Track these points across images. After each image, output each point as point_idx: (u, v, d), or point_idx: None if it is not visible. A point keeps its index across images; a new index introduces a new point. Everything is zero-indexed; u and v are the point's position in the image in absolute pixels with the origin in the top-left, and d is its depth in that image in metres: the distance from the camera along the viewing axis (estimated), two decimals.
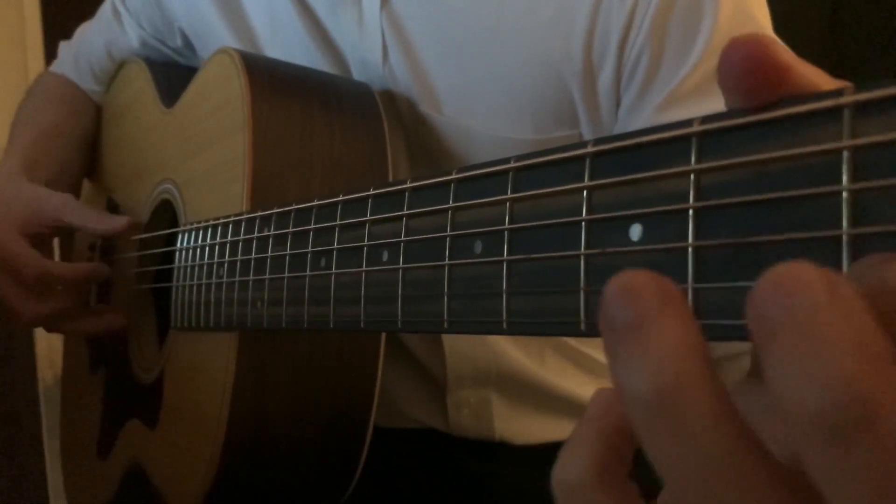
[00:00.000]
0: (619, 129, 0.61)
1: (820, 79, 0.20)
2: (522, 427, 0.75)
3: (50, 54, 1.14)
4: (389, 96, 0.67)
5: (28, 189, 0.76)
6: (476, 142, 0.64)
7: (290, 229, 0.45)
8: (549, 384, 0.75)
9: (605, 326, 0.18)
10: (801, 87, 0.20)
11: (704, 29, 0.56)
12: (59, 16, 1.22)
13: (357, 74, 0.69)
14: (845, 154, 0.19)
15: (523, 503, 0.75)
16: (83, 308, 0.77)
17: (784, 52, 0.20)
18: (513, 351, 0.74)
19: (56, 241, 0.85)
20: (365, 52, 0.67)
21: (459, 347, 0.73)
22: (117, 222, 0.73)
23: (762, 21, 0.58)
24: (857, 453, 0.14)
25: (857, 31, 1.47)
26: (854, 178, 0.19)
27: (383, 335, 0.61)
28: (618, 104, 0.60)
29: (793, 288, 0.15)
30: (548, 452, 0.78)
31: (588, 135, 0.62)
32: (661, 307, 0.17)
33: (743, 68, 0.20)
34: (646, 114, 0.58)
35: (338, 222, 0.40)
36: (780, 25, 0.59)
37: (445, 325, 0.32)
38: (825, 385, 0.14)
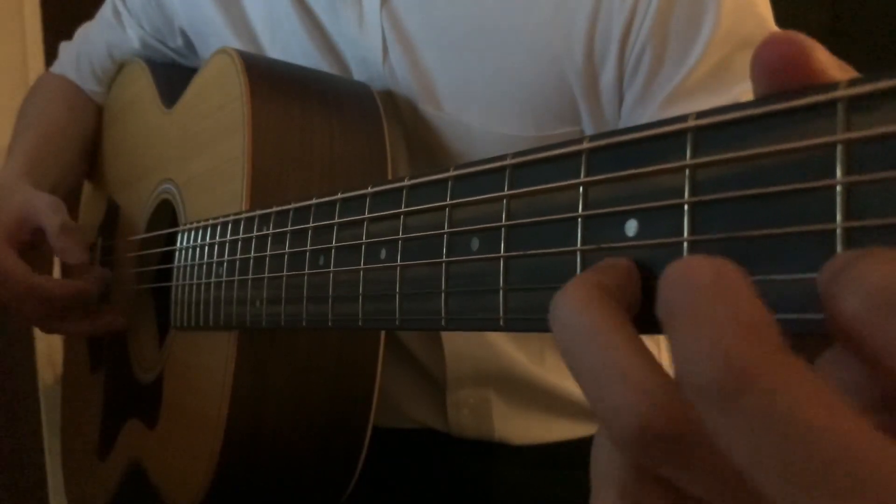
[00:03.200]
0: (622, 126, 0.61)
1: None
2: (522, 427, 0.75)
3: (50, 54, 1.14)
4: (389, 95, 0.67)
5: (21, 195, 0.75)
6: (476, 139, 0.64)
7: (289, 228, 0.45)
8: (549, 384, 0.75)
9: (662, 312, 0.18)
10: None
11: (707, 24, 0.56)
12: (59, 16, 1.22)
13: (357, 73, 0.69)
14: (839, 148, 0.19)
15: (523, 503, 0.75)
16: (82, 310, 0.77)
17: (822, 56, 0.20)
18: (512, 351, 0.74)
19: None
20: (365, 50, 0.67)
21: (459, 347, 0.73)
22: (76, 256, 0.72)
23: (765, 15, 0.58)
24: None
25: (858, 33, 1.47)
26: (848, 171, 0.19)
27: (383, 334, 0.61)
28: (621, 101, 0.60)
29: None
30: (547, 452, 0.79)
31: (590, 131, 0.62)
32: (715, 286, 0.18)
33: (777, 67, 0.20)
34: (650, 110, 0.58)
35: (336, 220, 0.40)
36: (780, 27, 0.59)
37: (443, 323, 0.32)
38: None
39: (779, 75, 0.20)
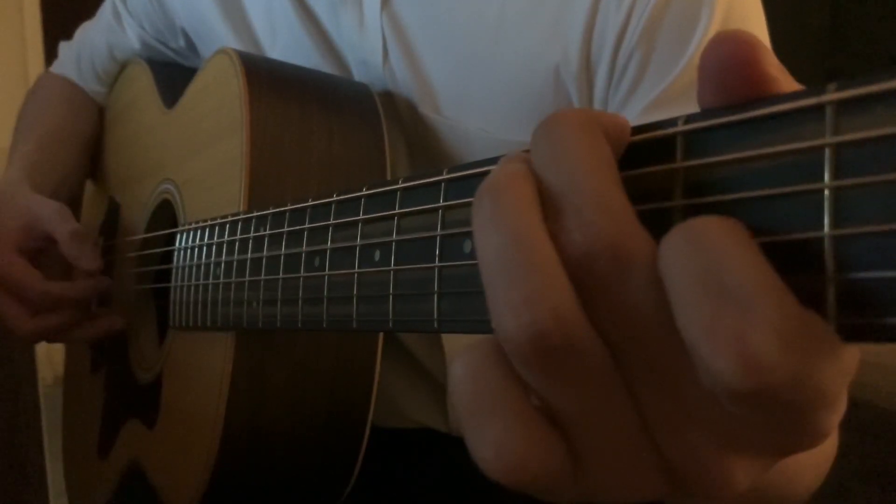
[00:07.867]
0: None
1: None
2: None
3: (50, 54, 1.15)
4: (389, 97, 0.67)
5: (24, 200, 0.75)
6: (475, 144, 0.64)
7: (285, 229, 0.45)
8: None
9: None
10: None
11: (695, 38, 0.55)
12: (59, 16, 1.23)
13: (357, 75, 0.69)
14: (827, 151, 0.19)
15: (523, 503, 0.75)
16: (83, 315, 0.77)
17: (771, 61, 0.20)
18: None
19: None
20: (365, 53, 0.67)
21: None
22: (89, 263, 0.71)
23: (757, 33, 0.58)
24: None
25: (858, 33, 1.47)
26: (836, 175, 0.18)
27: (381, 335, 0.61)
28: (606, 106, 0.60)
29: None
30: None
31: None
32: None
33: (728, 64, 0.20)
34: (631, 116, 0.58)
35: (331, 222, 0.40)
36: (780, 28, 0.59)
37: (436, 325, 0.32)
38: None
39: (729, 73, 0.20)
